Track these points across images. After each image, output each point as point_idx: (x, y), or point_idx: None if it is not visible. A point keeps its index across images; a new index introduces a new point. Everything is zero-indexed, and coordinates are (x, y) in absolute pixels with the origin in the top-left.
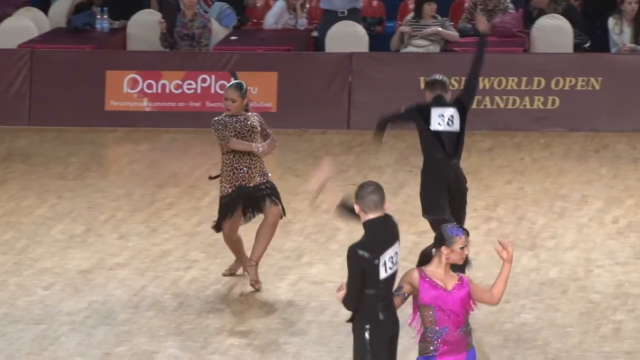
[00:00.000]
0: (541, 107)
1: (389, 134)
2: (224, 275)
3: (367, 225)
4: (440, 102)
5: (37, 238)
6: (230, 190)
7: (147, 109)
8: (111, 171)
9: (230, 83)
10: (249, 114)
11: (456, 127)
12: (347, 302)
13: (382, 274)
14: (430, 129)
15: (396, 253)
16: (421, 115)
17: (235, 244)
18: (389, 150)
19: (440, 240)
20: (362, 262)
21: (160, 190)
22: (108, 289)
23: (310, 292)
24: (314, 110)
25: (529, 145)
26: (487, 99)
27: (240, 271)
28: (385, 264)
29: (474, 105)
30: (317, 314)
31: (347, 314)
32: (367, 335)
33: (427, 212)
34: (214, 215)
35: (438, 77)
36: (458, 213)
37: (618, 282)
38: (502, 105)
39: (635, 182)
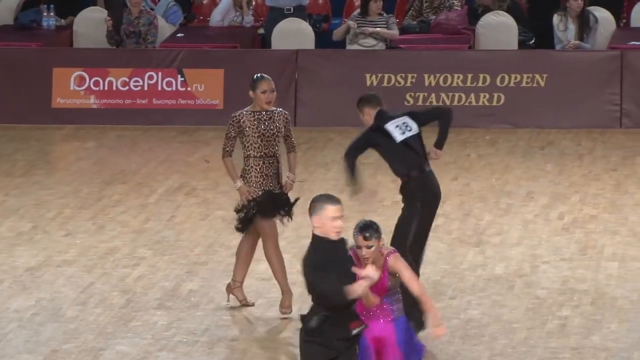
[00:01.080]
0: (486, 104)
1: (335, 131)
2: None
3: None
4: (386, 116)
5: None
6: (255, 195)
7: (94, 106)
8: (58, 168)
9: (259, 74)
10: (276, 110)
11: (415, 129)
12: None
13: None
14: (397, 143)
15: None
16: (382, 136)
17: (247, 256)
18: (335, 147)
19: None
20: None
21: (107, 187)
22: (55, 286)
23: (258, 289)
24: None
25: (474, 141)
26: (433, 95)
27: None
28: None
29: (420, 102)
30: (265, 310)
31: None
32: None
33: (401, 244)
34: (162, 212)
35: (371, 93)
36: (431, 220)
37: (564, 278)
38: (447, 102)
39: (580, 178)
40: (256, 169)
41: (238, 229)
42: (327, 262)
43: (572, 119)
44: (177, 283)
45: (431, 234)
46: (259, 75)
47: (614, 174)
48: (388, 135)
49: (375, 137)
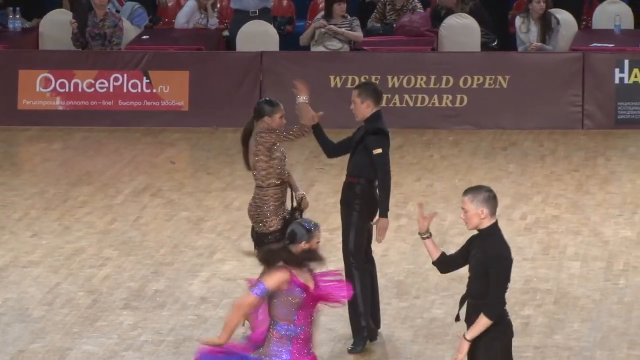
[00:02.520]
0: (449, 105)
1: None
2: None
3: None
4: (384, 120)
5: None
6: (279, 226)
7: (60, 108)
8: (24, 170)
9: (274, 101)
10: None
11: None
12: None
13: None
14: None
15: None
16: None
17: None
18: (299, 148)
19: (300, 237)
20: None
21: (73, 188)
22: (22, 287)
23: (223, 289)
24: (225, 109)
25: (437, 142)
26: (397, 97)
27: None
28: None
29: (383, 104)
30: (230, 310)
31: None
32: None
33: (356, 250)
34: (128, 213)
35: (380, 89)
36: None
37: (526, 277)
38: (411, 104)
39: (542, 179)
40: (273, 197)
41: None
42: None
43: (534, 120)
44: (143, 283)
45: (394, 234)
46: (274, 101)
47: (576, 175)
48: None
49: (387, 143)
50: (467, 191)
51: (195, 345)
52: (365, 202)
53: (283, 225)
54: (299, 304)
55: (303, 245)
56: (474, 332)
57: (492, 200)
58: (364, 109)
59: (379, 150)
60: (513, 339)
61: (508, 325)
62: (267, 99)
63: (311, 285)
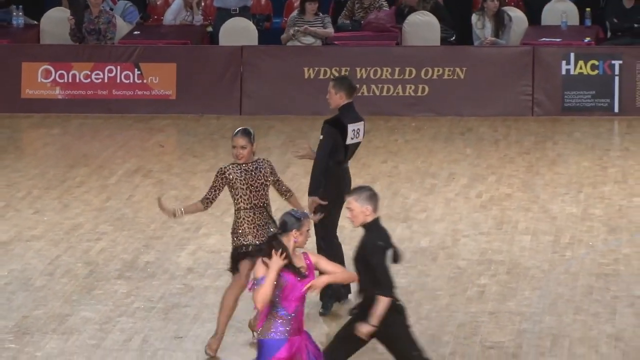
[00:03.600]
0: (412, 94)
1: (276, 119)
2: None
3: None
4: (353, 115)
5: None
6: (256, 242)
7: (59, 97)
8: (27, 153)
9: (237, 129)
10: (260, 159)
11: (360, 137)
12: None
13: None
14: (345, 144)
15: None
16: (340, 134)
17: (229, 308)
18: (276, 134)
19: (290, 225)
20: None
21: (71, 170)
22: (26, 259)
23: (207, 260)
24: (209, 98)
25: (401, 128)
26: (364, 87)
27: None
28: None
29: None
30: (214, 280)
31: None
32: None
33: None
34: (121, 192)
35: (354, 84)
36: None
37: (482, 250)
38: (377, 93)
39: (496, 161)
40: (247, 220)
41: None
42: None
43: (489, 108)
44: (135, 255)
45: None
46: (235, 131)
47: (527, 157)
48: (345, 134)
49: (337, 135)
50: (351, 192)
51: (183, 311)
52: (331, 183)
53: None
54: (291, 288)
55: (294, 233)
56: (376, 315)
57: (374, 198)
58: (337, 99)
59: (321, 137)
60: (470, 305)
61: (401, 309)
62: (242, 128)
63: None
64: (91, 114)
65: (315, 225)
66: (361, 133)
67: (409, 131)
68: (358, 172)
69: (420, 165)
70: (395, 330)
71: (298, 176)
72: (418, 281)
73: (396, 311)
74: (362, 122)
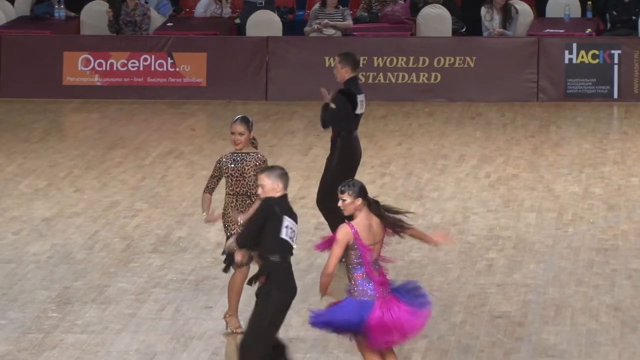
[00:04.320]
0: (425, 81)
1: (299, 104)
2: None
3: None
4: (358, 87)
5: (7, 191)
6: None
7: (98, 84)
8: (68, 136)
9: (236, 117)
10: (251, 154)
11: (364, 109)
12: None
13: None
14: (356, 113)
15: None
16: (351, 104)
17: (237, 293)
18: (299, 118)
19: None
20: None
21: (109, 151)
22: (67, 234)
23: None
24: (237, 85)
25: (415, 113)
26: (381, 75)
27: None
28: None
29: (370, 81)
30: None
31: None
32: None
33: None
34: (156, 172)
35: (358, 58)
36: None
37: (490, 226)
38: (393, 80)
39: (504, 143)
40: (231, 205)
41: (224, 270)
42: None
43: (497, 94)
44: (169, 231)
45: (379, 190)
46: (234, 118)
47: (532, 140)
48: (355, 104)
49: (348, 104)
50: (264, 170)
51: (212, 283)
52: (345, 153)
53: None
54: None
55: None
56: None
57: (284, 177)
58: (343, 73)
59: (333, 106)
60: (479, 278)
61: (288, 285)
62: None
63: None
64: (127, 100)
65: (322, 187)
66: (364, 104)
67: (422, 116)
68: (375, 154)
69: (432, 148)
70: (269, 302)
71: (319, 157)
72: (430, 255)
73: (285, 290)
74: (364, 95)
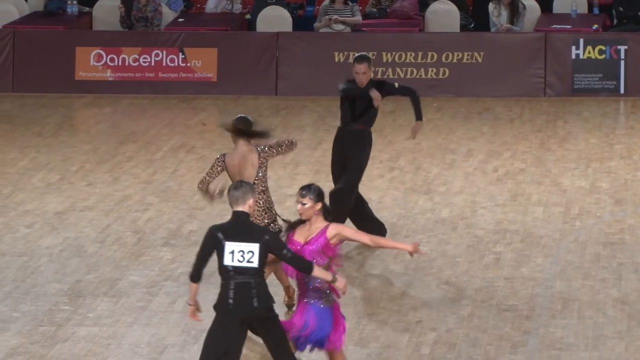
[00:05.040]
0: (434, 76)
1: (308, 99)
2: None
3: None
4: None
5: (20, 185)
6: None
7: (110, 79)
8: (80, 130)
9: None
10: (254, 147)
11: None
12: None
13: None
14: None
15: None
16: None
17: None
18: (308, 113)
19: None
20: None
21: (121, 145)
22: (79, 227)
23: None
24: (247, 80)
25: (424, 108)
26: (390, 70)
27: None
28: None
29: (379, 76)
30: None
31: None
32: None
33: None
34: (167, 166)
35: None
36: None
37: (498, 220)
38: (401, 75)
39: (511, 138)
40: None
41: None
42: None
43: (504, 89)
44: (180, 225)
45: (388, 184)
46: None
47: (539, 135)
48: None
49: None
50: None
51: None
52: (368, 145)
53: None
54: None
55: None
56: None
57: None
58: (370, 74)
59: (397, 83)
60: (487, 271)
61: (221, 301)
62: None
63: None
64: (139, 95)
65: (355, 175)
66: None
67: (430, 111)
68: (384, 148)
69: (441, 142)
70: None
71: (328, 152)
72: (439, 249)
73: (219, 309)
74: None
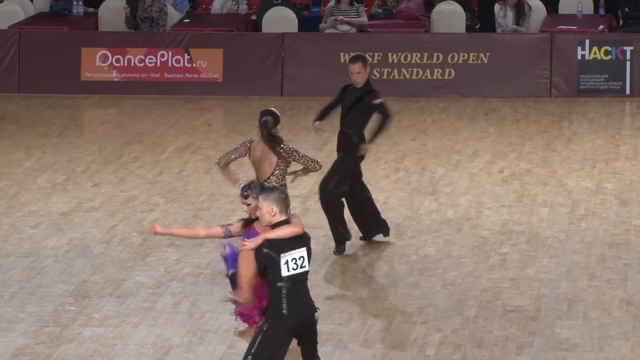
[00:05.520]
0: (439, 77)
1: (314, 100)
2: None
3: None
4: None
5: (26, 186)
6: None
7: (116, 79)
8: (86, 131)
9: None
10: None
11: None
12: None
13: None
14: None
15: (302, 257)
16: None
17: None
18: (314, 113)
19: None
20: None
21: (126, 146)
22: (85, 228)
23: None
24: (253, 81)
25: (429, 108)
26: (395, 70)
27: None
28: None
29: (384, 77)
30: None
31: None
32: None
33: (335, 189)
34: (172, 167)
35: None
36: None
37: (503, 221)
38: (407, 76)
39: (517, 139)
40: (281, 177)
41: None
42: None
43: (510, 90)
44: (185, 225)
45: (394, 184)
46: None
47: (545, 135)
48: None
49: None
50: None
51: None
52: (356, 151)
53: None
54: None
55: None
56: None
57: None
58: (366, 75)
59: (381, 101)
60: (492, 272)
61: (278, 309)
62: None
63: None
64: (145, 95)
65: (331, 179)
66: None
67: (436, 111)
68: (389, 149)
69: (446, 143)
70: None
71: (334, 153)
72: (444, 249)
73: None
74: None
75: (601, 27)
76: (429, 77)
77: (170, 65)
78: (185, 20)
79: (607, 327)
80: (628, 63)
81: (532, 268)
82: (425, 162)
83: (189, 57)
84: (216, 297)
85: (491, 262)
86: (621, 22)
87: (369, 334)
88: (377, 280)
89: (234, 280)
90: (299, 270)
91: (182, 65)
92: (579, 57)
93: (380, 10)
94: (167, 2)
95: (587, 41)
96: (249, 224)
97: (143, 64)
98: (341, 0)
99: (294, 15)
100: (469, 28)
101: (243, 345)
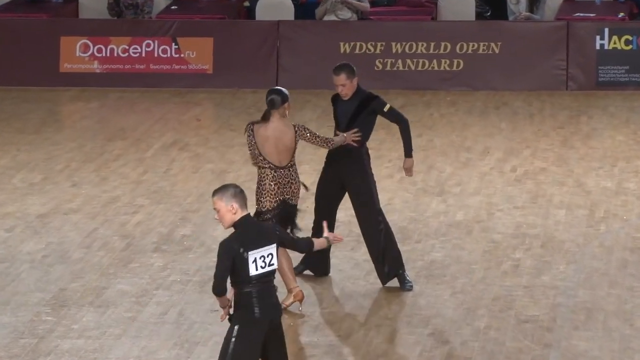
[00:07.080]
0: (447, 69)
1: (311, 93)
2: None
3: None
4: None
5: (0, 186)
6: (274, 205)
7: (97, 71)
8: (65, 126)
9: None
10: (290, 124)
11: None
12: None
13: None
14: None
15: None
16: None
17: (285, 263)
18: (312, 108)
19: None
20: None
21: (109, 143)
22: (63, 231)
23: None
24: (246, 72)
25: (436, 102)
26: (400, 62)
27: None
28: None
29: (388, 68)
30: None
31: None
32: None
33: (375, 202)
34: (158, 165)
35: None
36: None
37: (517, 223)
38: (412, 68)
39: (530, 135)
40: (268, 176)
41: None
42: None
43: (523, 82)
44: (172, 229)
45: (398, 184)
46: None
47: (561, 131)
48: None
49: None
50: (215, 192)
51: None
52: (369, 160)
53: (277, 207)
54: None
55: None
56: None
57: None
58: (354, 86)
59: (389, 105)
60: (504, 279)
61: (249, 312)
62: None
63: None
64: (129, 88)
65: (372, 199)
66: None
67: (444, 105)
68: (394, 146)
69: (455, 139)
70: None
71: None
72: (453, 254)
73: (240, 314)
74: None
75: (621, 14)
76: (436, 68)
77: (156, 55)
78: (173, 7)
79: (628, 338)
80: None
81: (547, 275)
82: (432, 160)
83: (176, 46)
84: (205, 307)
85: (503, 269)
86: None
87: (371, 346)
88: (379, 288)
89: None
90: (268, 269)
91: (169, 55)
92: (598, 47)
93: None
94: None
95: (607, 30)
96: None
97: (127, 54)
98: None
99: (290, 1)
100: (479, 15)
101: None
